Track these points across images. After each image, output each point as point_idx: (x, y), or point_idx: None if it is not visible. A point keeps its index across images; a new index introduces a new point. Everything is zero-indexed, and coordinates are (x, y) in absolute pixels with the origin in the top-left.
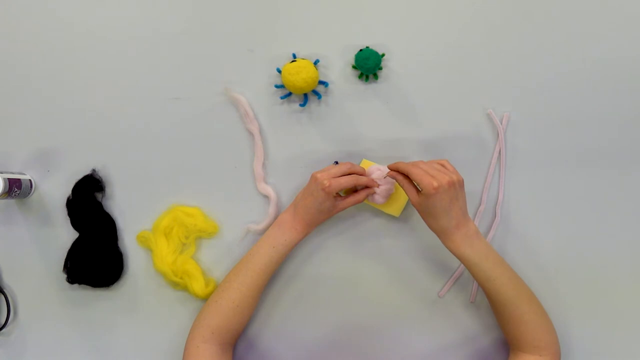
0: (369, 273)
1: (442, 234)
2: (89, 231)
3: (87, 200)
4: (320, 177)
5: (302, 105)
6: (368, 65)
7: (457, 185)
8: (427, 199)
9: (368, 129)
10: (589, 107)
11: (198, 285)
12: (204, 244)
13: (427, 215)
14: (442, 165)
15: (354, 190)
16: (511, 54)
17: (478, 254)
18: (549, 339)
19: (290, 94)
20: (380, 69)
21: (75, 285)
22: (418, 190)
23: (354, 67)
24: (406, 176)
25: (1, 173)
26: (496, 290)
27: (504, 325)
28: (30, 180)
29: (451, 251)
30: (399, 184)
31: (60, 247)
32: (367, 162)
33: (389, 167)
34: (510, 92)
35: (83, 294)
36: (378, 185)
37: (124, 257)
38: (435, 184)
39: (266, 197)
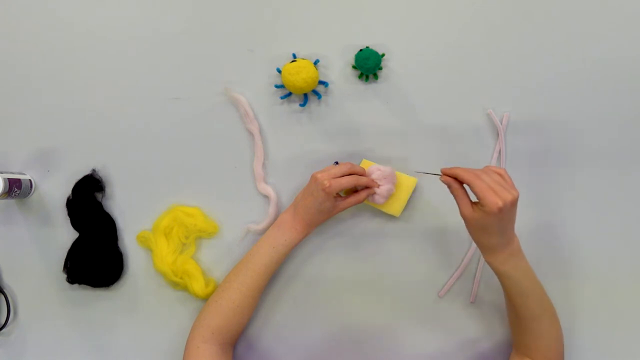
0: (369, 273)
1: (487, 250)
2: (89, 231)
3: (87, 200)
4: (320, 177)
5: (302, 105)
6: (368, 65)
7: (516, 204)
8: (485, 217)
9: (368, 129)
10: (589, 107)
11: (198, 285)
12: (204, 244)
13: (480, 231)
14: (501, 177)
15: (354, 190)
16: (511, 54)
17: (518, 272)
18: (559, 351)
19: (290, 94)
20: (380, 69)
21: (75, 285)
22: (471, 203)
23: (354, 67)
24: (460, 185)
25: (1, 173)
26: (525, 305)
27: (520, 336)
28: (30, 180)
29: (491, 266)
30: (453, 192)
31: (60, 247)
32: (367, 162)
33: (442, 172)
34: (510, 92)
35: (83, 294)
36: (378, 186)
37: (124, 257)
38: (500, 203)
39: (266, 197)
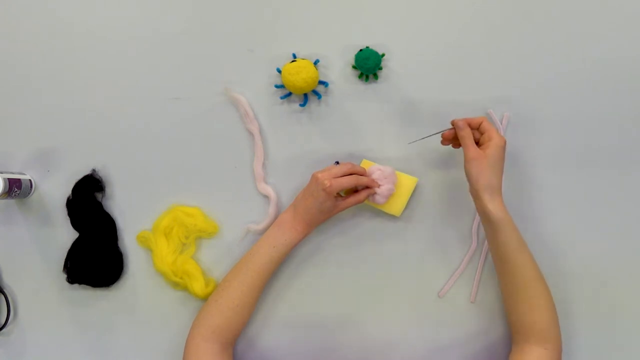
0: (369, 273)
1: (492, 191)
2: (89, 231)
3: (87, 200)
4: (321, 177)
5: (302, 105)
6: (368, 65)
7: None
8: (496, 152)
9: (368, 129)
10: (589, 107)
11: (198, 285)
12: (204, 244)
13: (488, 169)
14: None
15: (354, 190)
16: (511, 54)
17: (512, 222)
18: (556, 332)
19: (290, 94)
20: (380, 69)
21: (75, 285)
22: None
23: (354, 67)
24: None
25: (1, 173)
26: (521, 265)
27: (515, 309)
28: (30, 180)
29: (492, 213)
30: (463, 135)
31: (60, 247)
32: (367, 162)
33: (454, 122)
34: (510, 92)
35: (83, 294)
36: (379, 186)
37: (124, 257)
38: (504, 138)
39: (266, 197)
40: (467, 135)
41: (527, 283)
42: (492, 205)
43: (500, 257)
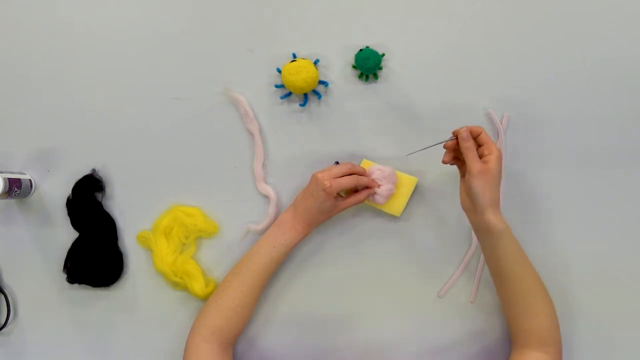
0: (369, 273)
1: (494, 205)
2: (89, 231)
3: (87, 200)
4: (321, 177)
5: (302, 105)
6: (368, 65)
7: None
8: (496, 166)
9: (368, 129)
10: (589, 107)
11: (198, 285)
12: (204, 244)
13: (490, 183)
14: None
15: (354, 190)
16: (511, 54)
17: (510, 231)
18: (556, 337)
19: (290, 94)
20: (380, 69)
21: (75, 285)
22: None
23: (354, 67)
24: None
25: (1, 173)
26: (521, 274)
27: (515, 318)
28: (30, 180)
29: (496, 227)
30: (467, 148)
31: (60, 247)
32: (367, 162)
33: (455, 132)
34: (510, 92)
35: (83, 294)
36: (379, 186)
37: (124, 257)
38: (499, 149)
39: (266, 197)
40: (471, 147)
41: (526, 292)
42: (496, 219)
43: (499, 269)
